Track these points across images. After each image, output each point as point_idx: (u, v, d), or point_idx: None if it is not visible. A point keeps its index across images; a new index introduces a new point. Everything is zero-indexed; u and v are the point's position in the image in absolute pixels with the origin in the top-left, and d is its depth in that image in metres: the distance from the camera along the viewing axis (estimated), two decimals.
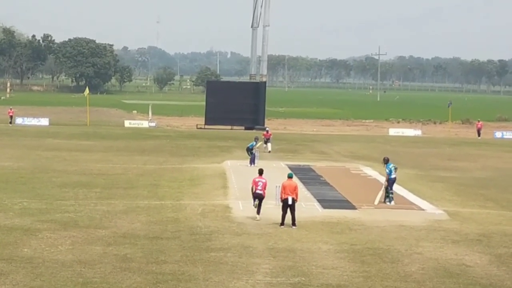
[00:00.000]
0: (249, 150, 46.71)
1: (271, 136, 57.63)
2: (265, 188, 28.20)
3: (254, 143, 47.27)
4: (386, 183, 32.49)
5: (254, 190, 28.25)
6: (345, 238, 25.53)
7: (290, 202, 27.20)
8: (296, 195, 27.44)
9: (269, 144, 56.42)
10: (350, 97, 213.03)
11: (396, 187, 36.06)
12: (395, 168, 32.77)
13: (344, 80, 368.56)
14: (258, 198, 28.22)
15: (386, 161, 33.13)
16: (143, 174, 41.17)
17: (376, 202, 32.26)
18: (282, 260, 22.26)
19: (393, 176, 32.41)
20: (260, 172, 28.84)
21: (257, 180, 28.34)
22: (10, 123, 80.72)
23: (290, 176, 28.12)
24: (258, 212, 28.29)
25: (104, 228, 26.05)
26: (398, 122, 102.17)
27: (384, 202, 32.39)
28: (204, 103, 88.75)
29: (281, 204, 27.72)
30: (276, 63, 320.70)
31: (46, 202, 31.09)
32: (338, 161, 51.06)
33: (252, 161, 45.69)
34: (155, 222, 27.45)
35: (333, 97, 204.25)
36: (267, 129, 60.54)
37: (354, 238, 25.60)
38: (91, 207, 30.21)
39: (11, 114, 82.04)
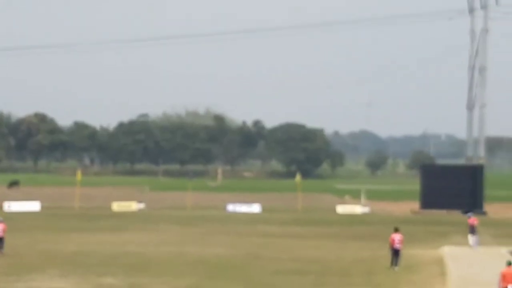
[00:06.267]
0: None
1: (476, 223, 45.87)
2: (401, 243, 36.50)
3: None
4: None
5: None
6: None
7: None
8: None
9: (472, 237, 45.03)
10: None
11: None
12: None
13: None
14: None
15: None
16: (358, 261, 40.30)
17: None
18: None
19: None
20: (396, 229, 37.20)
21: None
22: None
23: (509, 264, 26.31)
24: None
25: None
26: None
27: None
28: (418, 187, 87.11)
29: None
30: (494, 144, 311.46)
31: None
32: None
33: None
34: None
35: None
36: (468, 214, 50.81)
37: None
38: None
39: None
